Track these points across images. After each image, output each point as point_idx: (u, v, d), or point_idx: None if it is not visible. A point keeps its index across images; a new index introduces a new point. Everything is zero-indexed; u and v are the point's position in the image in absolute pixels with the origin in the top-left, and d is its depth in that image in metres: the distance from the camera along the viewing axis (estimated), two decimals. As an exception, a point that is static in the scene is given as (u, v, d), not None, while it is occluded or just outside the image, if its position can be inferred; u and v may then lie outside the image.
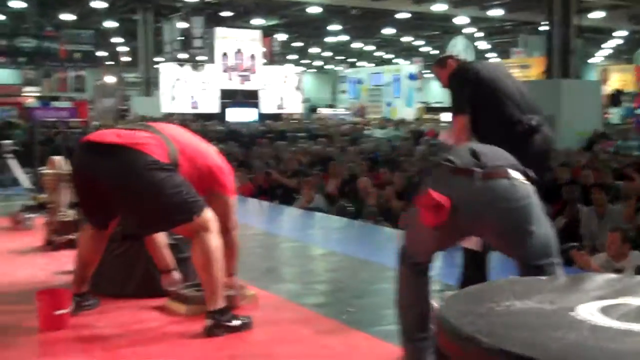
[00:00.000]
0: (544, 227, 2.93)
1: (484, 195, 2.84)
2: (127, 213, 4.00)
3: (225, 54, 32.18)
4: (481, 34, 37.72)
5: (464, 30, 35.01)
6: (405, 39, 41.87)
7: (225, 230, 4.11)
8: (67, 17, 33.64)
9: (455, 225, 2.85)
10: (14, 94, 41.93)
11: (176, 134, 4.01)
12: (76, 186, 4.23)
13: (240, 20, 34.01)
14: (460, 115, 4.14)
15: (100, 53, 40.05)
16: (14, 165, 9.93)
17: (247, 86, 32.79)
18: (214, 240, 3.81)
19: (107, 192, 3.83)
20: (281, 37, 39.29)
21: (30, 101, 35.52)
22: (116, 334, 3.92)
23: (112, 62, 45.32)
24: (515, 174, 2.91)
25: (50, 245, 6.14)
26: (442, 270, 4.67)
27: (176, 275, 4.46)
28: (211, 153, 4.17)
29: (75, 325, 4.01)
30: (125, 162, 3.70)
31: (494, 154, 2.99)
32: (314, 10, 29.68)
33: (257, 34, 33.55)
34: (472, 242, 3.70)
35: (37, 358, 3.68)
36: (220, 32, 32.15)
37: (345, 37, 41.45)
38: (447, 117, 37.44)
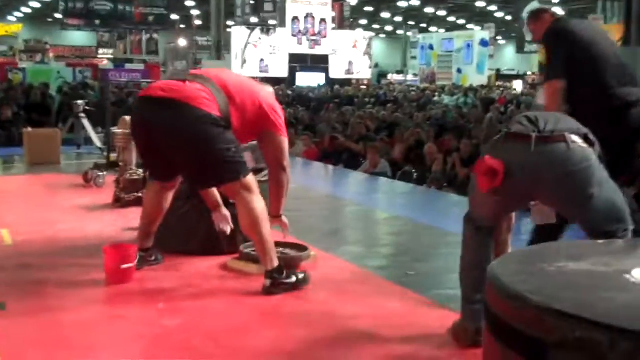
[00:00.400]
0: (606, 191, 2.87)
1: (540, 159, 2.82)
2: (181, 167, 4.04)
3: (295, 18, 32.13)
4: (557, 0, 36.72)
5: (540, -4, 34.08)
6: (478, 4, 41.08)
7: (281, 168, 4.15)
8: (141, -20, 34.14)
9: (512, 190, 2.84)
10: (89, 56, 42.92)
11: (226, 80, 3.97)
12: (136, 141, 4.33)
13: (311, -16, 33.88)
14: (554, 80, 3.82)
15: (173, 16, 40.47)
16: (86, 124, 10.17)
17: (317, 51, 32.71)
18: (258, 202, 3.86)
19: (163, 145, 3.90)
20: (352, 1, 39.00)
21: (105, 63, 36.28)
22: (179, 288, 4.01)
23: (185, 26, 45.80)
24: (574, 138, 2.86)
25: (119, 203, 6.30)
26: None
27: (224, 211, 4.46)
28: (262, 94, 4.12)
29: (140, 278, 4.13)
30: (177, 117, 3.75)
31: (555, 119, 2.94)
32: (386, -26, 29.32)
33: (328, -3, 33.39)
34: (545, 216, 3.60)
35: (103, 309, 3.81)
36: (291, -5, 32.11)
37: (417, 2, 40.91)
38: (518, 84, 36.82)
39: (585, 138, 2.91)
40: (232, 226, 4.39)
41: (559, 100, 3.76)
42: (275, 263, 3.87)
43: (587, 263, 1.61)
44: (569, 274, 1.56)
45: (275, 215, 4.28)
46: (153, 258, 4.37)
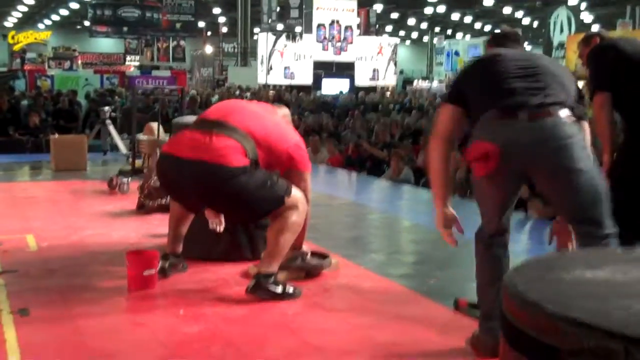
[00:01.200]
0: (593, 173, 2.91)
1: (531, 135, 2.82)
2: (225, 214, 4.31)
3: (321, 25, 32.19)
4: (584, 5, 36.47)
5: (567, 2, 33.90)
6: (505, 10, 40.94)
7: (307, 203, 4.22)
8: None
9: (509, 170, 2.86)
10: (117, 63, 43.30)
11: (252, 125, 3.98)
12: (164, 187, 4.46)
13: (337, -9, 33.96)
14: (599, 93, 3.90)
15: (200, 23, 40.74)
16: (112, 131, 10.27)
17: (342, 57, 32.74)
18: (296, 216, 3.95)
19: (195, 198, 4.06)
20: (377, 6, 39.02)
21: (131, 70, 36.56)
22: (200, 295, 4.04)
23: (211, 33, 46.09)
24: (562, 112, 2.88)
25: (143, 209, 6.35)
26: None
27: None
28: (286, 133, 4.18)
29: (161, 284, 4.16)
30: (205, 179, 3.83)
31: (545, 89, 2.93)
32: (411, -20, 29.31)
33: (354, 4, 33.38)
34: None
35: (125, 315, 3.84)
36: (317, 2, 32.14)
37: (443, 8, 40.84)
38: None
39: (572, 110, 2.92)
40: (223, 225, 4.46)
41: (607, 111, 3.84)
42: (271, 270, 3.92)
43: (604, 271, 1.59)
44: (585, 282, 1.54)
45: (298, 247, 4.36)
46: (181, 266, 4.42)
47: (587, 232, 2.94)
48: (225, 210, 4.24)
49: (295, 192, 3.98)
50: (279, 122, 4.26)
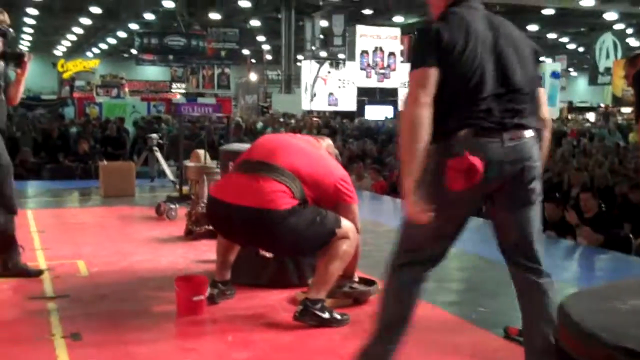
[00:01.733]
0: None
1: (508, 155, 2.77)
2: (274, 253, 4.44)
3: (364, 52, 32.31)
4: (631, 30, 36.05)
5: (613, 27, 33.58)
6: (550, 35, 40.65)
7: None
8: (214, 16, 34.90)
9: (480, 189, 2.79)
10: (163, 90, 43.97)
11: (297, 162, 4.02)
12: (215, 227, 4.53)
13: (380, 18, 34.09)
14: None
15: (244, 51, 41.18)
16: (159, 157, 10.41)
17: (386, 84, 32.78)
18: (347, 245, 3.98)
19: (245, 240, 4.20)
20: (421, 34, 39.03)
21: (177, 97, 37.08)
22: (248, 321, 4.07)
23: (255, 60, 46.55)
24: (532, 133, 2.85)
25: (190, 235, 6.41)
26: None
27: None
28: (332, 167, 4.22)
29: (210, 310, 4.20)
30: (255, 225, 3.89)
31: (521, 112, 2.85)
32: (455, 7, 29.22)
33: (397, 31, 33.48)
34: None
35: (175, 341, 3.87)
36: (360, 29, 32.31)
37: (487, 34, 40.65)
38: (592, 117, 36.14)
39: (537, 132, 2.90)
40: None
41: None
42: (320, 296, 3.93)
43: (660, 302, 1.59)
44: (641, 312, 1.54)
45: (349, 276, 4.41)
46: (229, 292, 4.45)
47: (532, 268, 2.90)
48: (276, 251, 4.37)
49: (345, 223, 4.01)
50: (323, 156, 4.30)
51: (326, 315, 3.92)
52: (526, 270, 2.91)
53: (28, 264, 5.07)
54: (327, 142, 4.57)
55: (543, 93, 3.02)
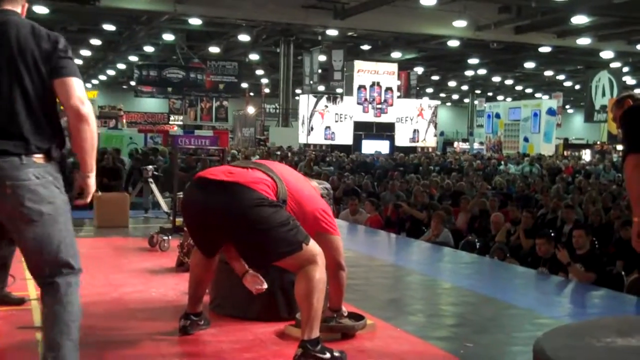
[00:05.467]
0: None
1: None
2: (240, 247, 4.07)
3: (362, 87, 32.54)
4: (627, 69, 36.36)
5: (610, 65, 33.86)
6: (546, 73, 40.99)
7: (339, 268, 4.25)
8: (213, 49, 35.18)
9: None
10: (161, 122, 44.15)
11: (287, 175, 4.09)
12: (186, 219, 4.42)
13: (378, 54, 34.38)
14: (632, 154, 3.91)
15: (243, 84, 41.43)
16: (154, 189, 10.43)
17: (383, 119, 32.98)
18: (319, 272, 3.85)
19: (215, 226, 3.95)
20: (418, 69, 39.36)
21: (175, 129, 37.21)
22: (235, 353, 4.05)
23: (253, 93, 46.82)
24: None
25: (182, 267, 6.40)
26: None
27: (252, 272, 4.22)
28: (316, 196, 4.26)
29: (198, 342, 4.19)
30: (234, 199, 3.81)
31: None
32: (453, 43, 29.58)
33: (394, 67, 33.75)
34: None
35: (162, 372, 3.86)
36: (358, 65, 32.57)
37: (484, 71, 41.04)
38: (588, 153, 36.31)
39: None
40: (266, 284, 4.21)
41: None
42: (314, 335, 3.80)
43: (636, 339, 1.60)
44: (617, 349, 1.54)
45: (336, 309, 4.39)
46: (202, 322, 4.44)
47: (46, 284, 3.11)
48: (242, 243, 4.00)
49: (316, 246, 3.91)
50: (312, 186, 4.35)
51: (327, 355, 3.81)
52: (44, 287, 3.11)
53: (12, 293, 5.04)
54: (315, 183, 4.59)
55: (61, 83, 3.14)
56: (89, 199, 3.48)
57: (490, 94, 53.73)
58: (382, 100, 32.86)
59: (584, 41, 27.78)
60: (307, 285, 3.81)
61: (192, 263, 4.45)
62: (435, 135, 36.99)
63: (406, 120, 34.25)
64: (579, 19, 23.99)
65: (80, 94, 3.19)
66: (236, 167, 4.08)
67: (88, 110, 3.18)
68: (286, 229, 3.80)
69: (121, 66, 41.99)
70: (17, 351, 4.07)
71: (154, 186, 10.44)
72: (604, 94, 33.48)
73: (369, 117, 32.53)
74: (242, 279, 4.19)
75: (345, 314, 4.48)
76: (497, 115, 36.51)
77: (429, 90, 51.31)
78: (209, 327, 4.46)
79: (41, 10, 23.62)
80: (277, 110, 36.40)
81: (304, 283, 3.83)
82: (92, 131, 3.22)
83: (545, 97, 44.17)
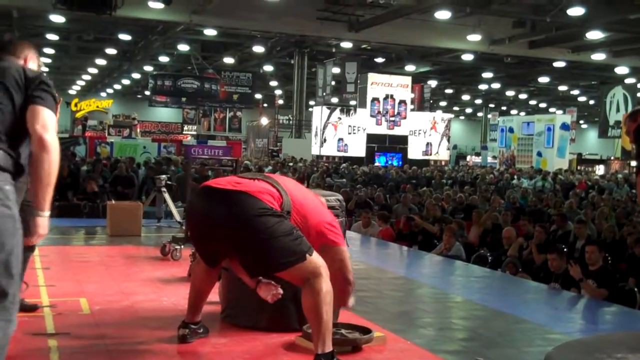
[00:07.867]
0: None
1: None
2: (240, 256, 4.03)
3: (375, 99, 32.54)
4: (642, 85, 36.23)
5: (624, 81, 33.76)
6: (561, 87, 40.91)
7: (347, 282, 4.19)
8: (227, 60, 35.32)
9: None
10: (174, 132, 44.28)
11: (292, 188, 4.11)
12: (190, 227, 4.45)
13: (392, 66, 34.41)
14: None
15: (256, 95, 41.53)
16: (167, 199, 10.47)
17: (396, 131, 32.96)
18: (325, 285, 3.81)
19: (219, 235, 3.94)
20: (432, 82, 39.37)
21: (188, 139, 37.33)
22: (246, 364, 4.06)
23: (267, 105, 46.92)
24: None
25: (193, 276, 6.41)
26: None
27: (264, 280, 4.15)
28: (323, 210, 4.27)
29: (208, 352, 4.20)
30: (238, 207, 3.82)
31: None
32: (467, 57, 29.59)
33: (408, 80, 33.75)
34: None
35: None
36: (372, 77, 32.59)
37: (497, 85, 40.99)
38: (601, 169, 36.14)
39: None
40: (281, 290, 4.12)
41: None
42: (327, 349, 3.78)
43: (647, 355, 1.60)
44: (628, 366, 1.54)
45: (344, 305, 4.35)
46: (201, 330, 4.47)
47: None
48: (244, 252, 3.94)
49: (318, 257, 3.88)
50: (319, 200, 4.35)
51: None
52: None
53: (26, 300, 5.07)
54: (323, 199, 4.58)
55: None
56: (36, 241, 3.22)
57: (504, 107, 53.65)
58: (396, 113, 32.84)
59: (598, 57, 27.74)
60: (315, 299, 3.79)
61: (194, 273, 4.50)
62: (448, 149, 36.92)
63: (419, 133, 34.20)
64: (594, 35, 23.95)
65: (47, 122, 3.09)
66: (243, 177, 4.12)
67: (51, 139, 3.05)
68: (289, 238, 3.79)
69: (136, 76, 42.19)
70: (29, 358, 4.08)
71: (167, 195, 10.48)
72: (618, 110, 33.38)
73: (382, 129, 32.51)
74: (256, 290, 4.13)
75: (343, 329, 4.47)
76: (511, 130, 36.39)
77: (443, 103, 51.27)
78: (207, 335, 4.48)
79: (58, 19, 23.81)
80: (291, 122, 36.46)
81: (310, 297, 3.80)
82: (51, 162, 3.03)
83: (559, 111, 44.00)
